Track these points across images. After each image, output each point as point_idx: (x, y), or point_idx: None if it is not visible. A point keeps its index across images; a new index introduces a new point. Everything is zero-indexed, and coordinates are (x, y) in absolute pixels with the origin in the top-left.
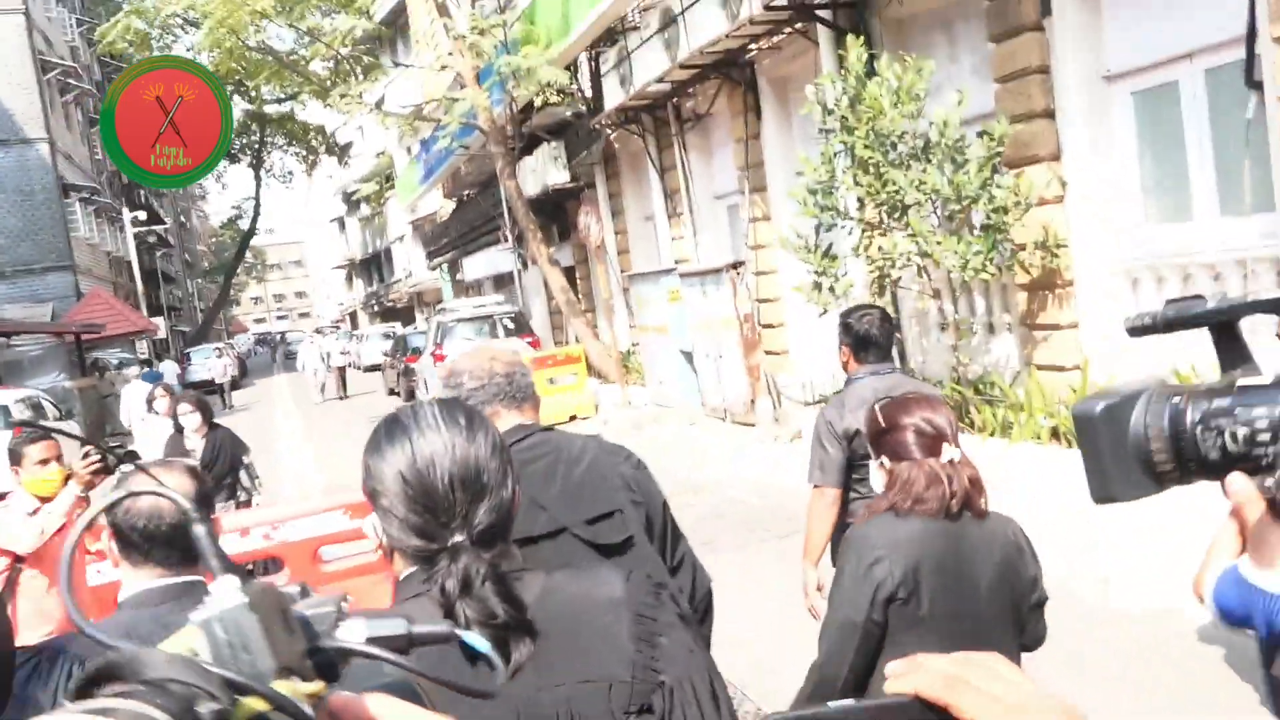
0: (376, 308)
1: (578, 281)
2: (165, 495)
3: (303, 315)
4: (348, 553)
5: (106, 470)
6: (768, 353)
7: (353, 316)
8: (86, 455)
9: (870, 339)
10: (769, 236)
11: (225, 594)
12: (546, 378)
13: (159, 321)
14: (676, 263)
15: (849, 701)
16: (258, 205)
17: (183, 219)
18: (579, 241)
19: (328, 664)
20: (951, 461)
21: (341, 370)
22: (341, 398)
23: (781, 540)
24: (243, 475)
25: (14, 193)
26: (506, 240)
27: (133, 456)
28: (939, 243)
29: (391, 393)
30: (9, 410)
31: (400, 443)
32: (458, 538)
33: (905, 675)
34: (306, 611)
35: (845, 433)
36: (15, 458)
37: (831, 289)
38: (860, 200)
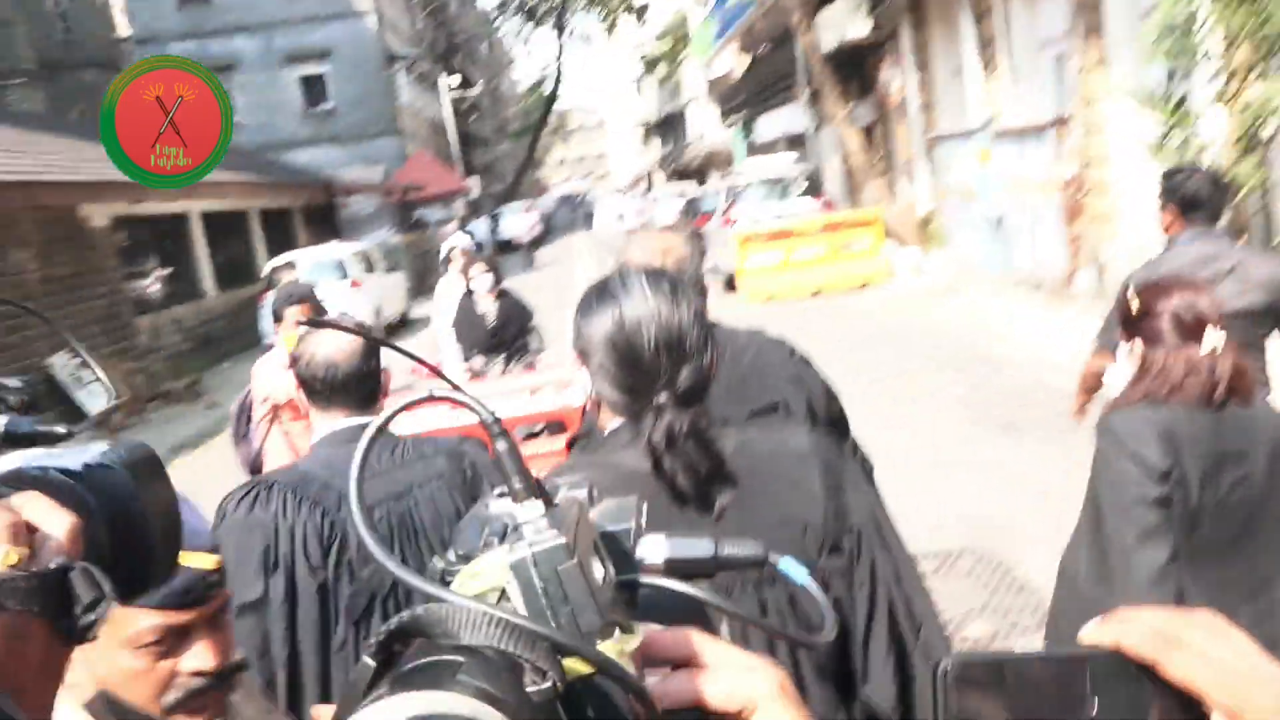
0: (671, 169)
1: (875, 141)
2: (411, 359)
3: (601, 177)
4: None
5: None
6: (1093, 220)
7: (648, 178)
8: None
9: (1198, 199)
10: (1101, 88)
11: (537, 529)
12: (840, 242)
13: (473, 182)
14: (989, 120)
15: (1038, 650)
16: (560, 68)
17: (495, 83)
18: (878, 99)
19: (631, 593)
20: (1214, 350)
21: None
22: None
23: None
24: (530, 338)
25: (347, 64)
26: (801, 98)
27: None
28: None
29: None
30: (344, 264)
31: (610, 308)
32: (662, 397)
33: (1108, 626)
34: (608, 525)
35: None
36: (277, 315)
37: (1183, 146)
38: (1229, 39)
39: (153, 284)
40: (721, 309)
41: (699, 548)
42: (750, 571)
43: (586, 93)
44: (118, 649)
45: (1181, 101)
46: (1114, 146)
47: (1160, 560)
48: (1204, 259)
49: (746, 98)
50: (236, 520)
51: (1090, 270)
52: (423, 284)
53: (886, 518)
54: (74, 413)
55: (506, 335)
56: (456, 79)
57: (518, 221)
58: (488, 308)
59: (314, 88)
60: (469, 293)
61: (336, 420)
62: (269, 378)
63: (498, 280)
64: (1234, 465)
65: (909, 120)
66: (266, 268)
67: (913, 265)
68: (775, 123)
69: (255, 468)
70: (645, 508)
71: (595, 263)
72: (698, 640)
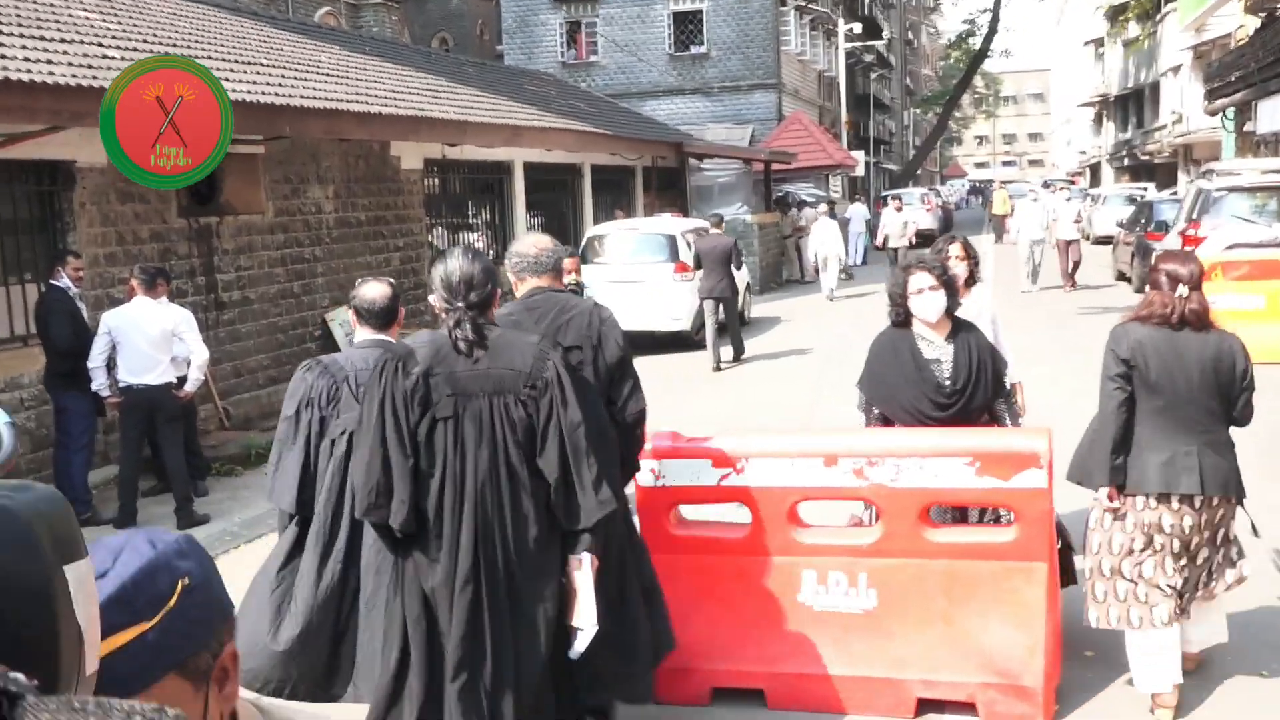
0: (1125, 161)
1: None
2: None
3: (1034, 162)
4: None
5: None
6: None
7: (1093, 170)
8: None
9: None
10: None
11: None
12: None
13: (859, 156)
14: None
15: None
16: (995, 19)
17: (909, 35)
18: None
19: None
20: (1181, 296)
21: (1069, 247)
22: (1068, 286)
23: None
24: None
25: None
26: None
27: None
28: None
29: (1121, 278)
30: (676, 240)
31: (442, 262)
32: (459, 304)
33: None
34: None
35: None
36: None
37: None
38: None
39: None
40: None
41: None
42: None
43: (1027, 54)
44: None
45: None
46: None
47: (1118, 400)
48: None
49: (1246, 74)
50: (297, 376)
51: None
52: (771, 279)
53: (571, 384)
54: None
55: None
56: (858, 27)
57: (903, 215)
58: None
59: (686, 27)
60: None
61: (368, 334)
62: None
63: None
64: (1181, 361)
65: None
66: (586, 234)
67: None
68: None
69: None
70: (440, 349)
71: (995, 288)
72: None
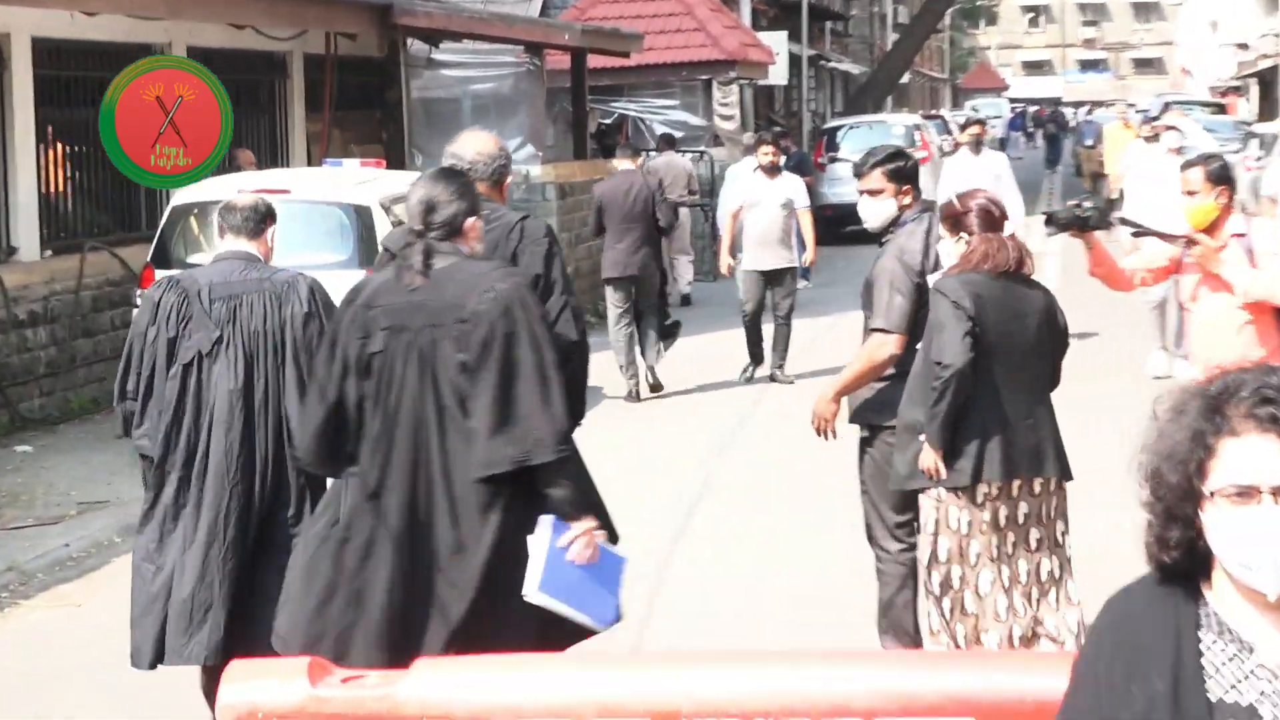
0: None
1: None
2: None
3: (1141, 66)
4: None
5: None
6: None
7: (1265, 82)
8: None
9: None
10: None
11: None
12: None
13: (775, 43)
14: None
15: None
16: None
17: None
18: None
19: None
20: (1012, 235)
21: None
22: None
23: None
24: None
25: None
26: None
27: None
28: None
29: None
30: (367, 217)
31: (410, 190)
32: (418, 226)
33: None
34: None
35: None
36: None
37: None
38: None
39: None
40: None
41: None
42: None
43: None
44: None
45: None
46: None
47: (965, 354)
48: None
49: None
50: (151, 292)
51: None
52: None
53: (529, 322)
54: None
55: None
56: None
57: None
58: None
59: None
60: None
61: (226, 244)
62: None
63: None
64: (1018, 316)
65: None
66: (171, 203)
67: None
68: None
69: None
70: (389, 279)
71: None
72: None
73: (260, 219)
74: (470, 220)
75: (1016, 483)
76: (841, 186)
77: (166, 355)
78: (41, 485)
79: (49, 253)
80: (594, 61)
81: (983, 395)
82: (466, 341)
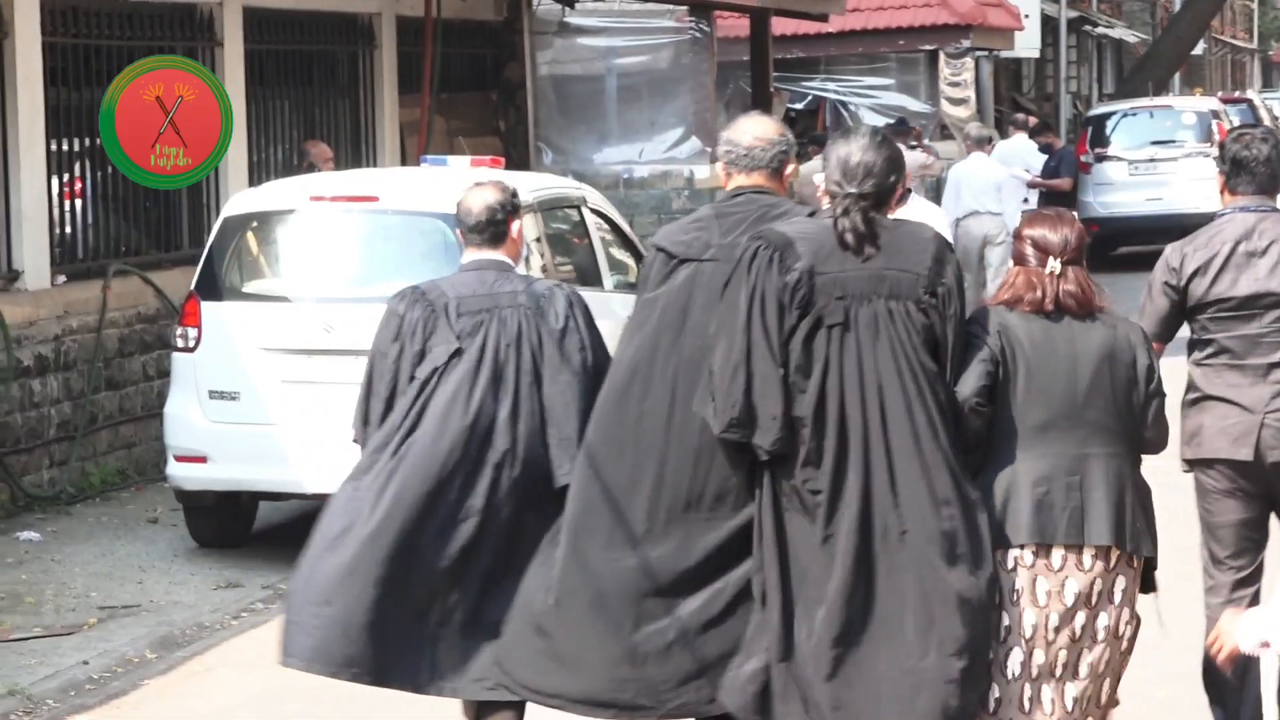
0: None
1: None
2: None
3: None
4: None
5: None
6: None
7: None
8: None
9: (1243, 165)
10: None
11: None
12: None
13: (1025, 5)
14: None
15: None
16: None
17: None
18: None
19: None
20: (1052, 273)
21: None
22: None
23: None
24: None
25: None
26: None
27: None
28: None
29: None
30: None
31: (844, 141)
32: (852, 190)
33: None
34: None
35: (1179, 276)
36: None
37: None
38: None
39: None
40: None
41: None
42: None
43: None
44: None
45: None
46: None
47: (976, 384)
48: (1239, 236)
49: None
50: (393, 304)
51: None
52: None
53: (962, 292)
54: None
55: None
56: None
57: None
58: None
59: None
60: None
61: (471, 254)
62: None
63: None
64: (1060, 360)
65: None
66: (222, 213)
67: None
68: None
69: None
70: (823, 243)
71: None
72: None
73: (500, 223)
74: (897, 193)
75: (1059, 552)
76: (1113, 194)
77: (410, 374)
78: (52, 584)
79: (62, 278)
80: (780, 26)
81: (1008, 447)
82: (939, 315)
